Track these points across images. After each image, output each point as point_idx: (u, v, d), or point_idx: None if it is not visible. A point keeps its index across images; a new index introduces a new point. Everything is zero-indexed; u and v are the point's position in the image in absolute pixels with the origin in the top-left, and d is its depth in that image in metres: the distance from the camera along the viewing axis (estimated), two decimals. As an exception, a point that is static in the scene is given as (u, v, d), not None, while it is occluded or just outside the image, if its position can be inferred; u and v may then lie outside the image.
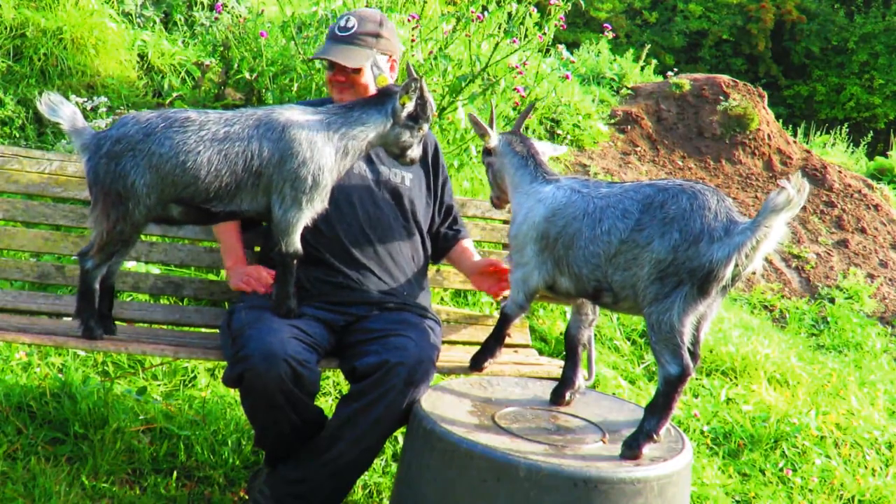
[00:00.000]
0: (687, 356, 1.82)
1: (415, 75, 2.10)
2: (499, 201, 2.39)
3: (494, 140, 2.27)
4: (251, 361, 1.96)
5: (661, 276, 1.80)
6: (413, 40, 3.90)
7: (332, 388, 3.08)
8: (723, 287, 1.81)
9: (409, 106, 2.13)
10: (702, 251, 1.76)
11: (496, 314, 2.96)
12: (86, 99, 3.84)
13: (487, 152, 2.30)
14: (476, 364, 2.31)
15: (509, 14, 4.19)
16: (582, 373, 2.26)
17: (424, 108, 2.16)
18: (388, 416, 2.05)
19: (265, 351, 1.97)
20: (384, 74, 2.33)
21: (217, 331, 2.49)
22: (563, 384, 2.19)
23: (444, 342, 2.63)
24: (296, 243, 2.08)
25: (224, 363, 2.15)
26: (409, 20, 3.86)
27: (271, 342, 1.98)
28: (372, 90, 2.36)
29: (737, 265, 1.76)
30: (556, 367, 2.44)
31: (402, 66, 2.54)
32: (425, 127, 2.19)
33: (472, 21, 3.95)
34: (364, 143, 2.13)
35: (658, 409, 1.85)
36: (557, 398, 2.18)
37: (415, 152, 2.21)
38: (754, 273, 5.51)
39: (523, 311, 2.18)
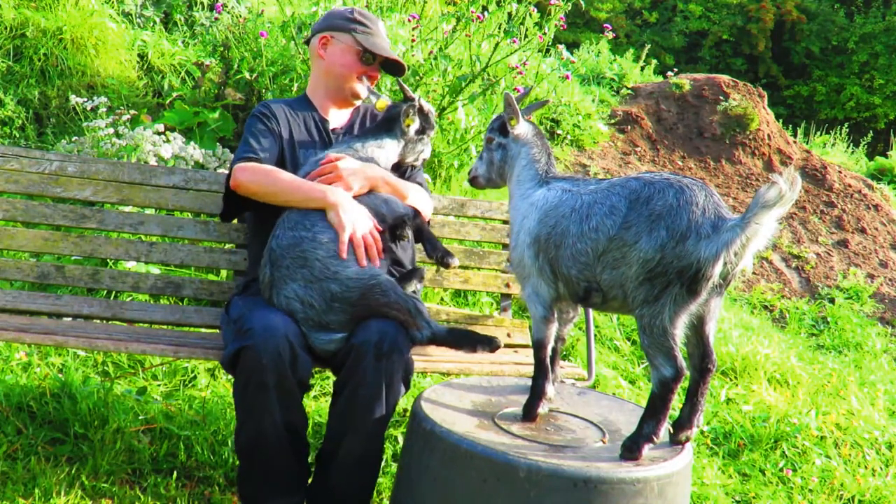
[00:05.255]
0: (680, 357, 1.78)
1: (410, 95, 2.37)
2: (486, 182, 2.24)
3: (523, 126, 2.16)
4: (251, 334, 1.96)
5: (650, 277, 1.75)
6: (413, 40, 3.90)
7: (330, 388, 3.07)
8: (717, 285, 1.76)
9: (415, 123, 2.38)
10: (689, 249, 1.69)
11: (496, 314, 2.96)
12: (86, 99, 3.84)
13: (505, 134, 2.17)
14: (530, 413, 2.07)
15: (509, 14, 4.19)
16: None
17: (427, 119, 2.40)
18: (372, 396, 2.02)
19: (267, 325, 1.97)
20: (382, 98, 2.42)
21: (217, 331, 2.49)
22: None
23: (444, 342, 2.63)
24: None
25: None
26: (409, 20, 3.86)
27: (274, 319, 2.00)
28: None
29: (726, 263, 1.70)
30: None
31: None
32: (432, 132, 2.44)
33: (472, 21, 3.95)
34: (388, 165, 2.38)
35: (655, 412, 1.84)
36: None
37: (427, 153, 2.47)
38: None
39: (550, 325, 2.04)
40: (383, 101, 2.40)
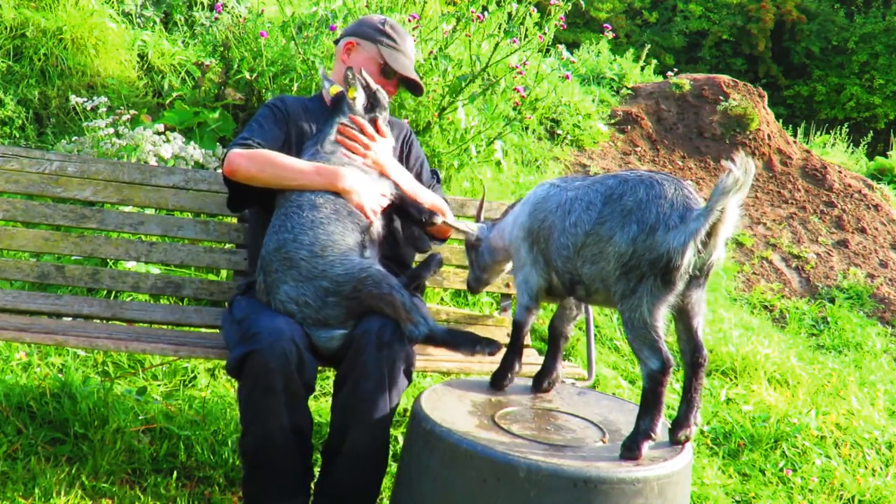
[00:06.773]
0: (665, 349, 1.81)
1: (351, 72, 2.37)
2: (476, 284, 2.45)
3: (476, 233, 2.37)
4: (258, 338, 1.96)
5: (626, 271, 1.80)
6: (413, 40, 3.90)
7: (330, 388, 3.08)
8: (695, 277, 1.80)
9: (360, 97, 2.37)
10: (658, 241, 1.75)
11: (496, 314, 2.96)
12: (86, 99, 3.84)
13: (470, 244, 2.40)
14: (497, 383, 2.22)
15: (509, 14, 4.20)
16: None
17: (376, 96, 2.40)
18: (375, 388, 2.02)
19: (274, 328, 1.97)
20: (334, 84, 2.43)
21: (217, 331, 2.49)
22: (543, 373, 2.25)
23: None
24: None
25: (225, 363, 2.14)
26: (409, 20, 3.86)
27: (279, 323, 2.00)
28: None
29: (698, 252, 1.75)
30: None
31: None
32: (384, 115, 2.42)
33: (472, 21, 3.95)
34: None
35: (649, 407, 1.85)
36: (537, 386, 2.25)
37: (384, 116, 2.44)
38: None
39: (532, 314, 2.17)
40: (336, 87, 2.41)
